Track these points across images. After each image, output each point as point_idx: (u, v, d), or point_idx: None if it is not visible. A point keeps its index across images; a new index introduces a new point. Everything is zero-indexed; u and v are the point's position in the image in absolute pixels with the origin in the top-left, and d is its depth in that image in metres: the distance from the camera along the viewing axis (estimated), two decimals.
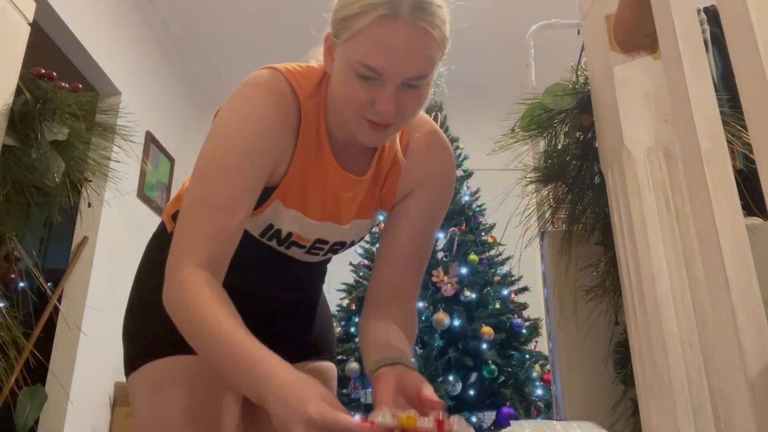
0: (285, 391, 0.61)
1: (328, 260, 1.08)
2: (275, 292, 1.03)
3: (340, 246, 0.98)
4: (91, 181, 1.54)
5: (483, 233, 2.99)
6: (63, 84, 1.46)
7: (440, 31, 0.76)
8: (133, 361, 0.91)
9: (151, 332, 0.91)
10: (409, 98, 0.77)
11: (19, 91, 1.36)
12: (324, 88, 0.87)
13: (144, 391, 0.87)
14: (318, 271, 1.11)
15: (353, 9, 0.73)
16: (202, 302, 0.71)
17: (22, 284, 1.38)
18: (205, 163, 0.80)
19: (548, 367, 2.64)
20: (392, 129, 0.81)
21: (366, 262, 3.01)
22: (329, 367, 1.08)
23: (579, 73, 1.33)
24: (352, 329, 2.73)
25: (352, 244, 1.00)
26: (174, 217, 0.92)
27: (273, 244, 0.94)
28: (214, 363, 0.71)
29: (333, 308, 3.19)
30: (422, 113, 0.95)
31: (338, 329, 2.79)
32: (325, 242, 0.96)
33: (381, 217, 1.12)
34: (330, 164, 0.88)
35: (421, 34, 0.73)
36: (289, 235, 0.92)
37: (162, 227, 1.03)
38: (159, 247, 0.98)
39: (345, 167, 0.89)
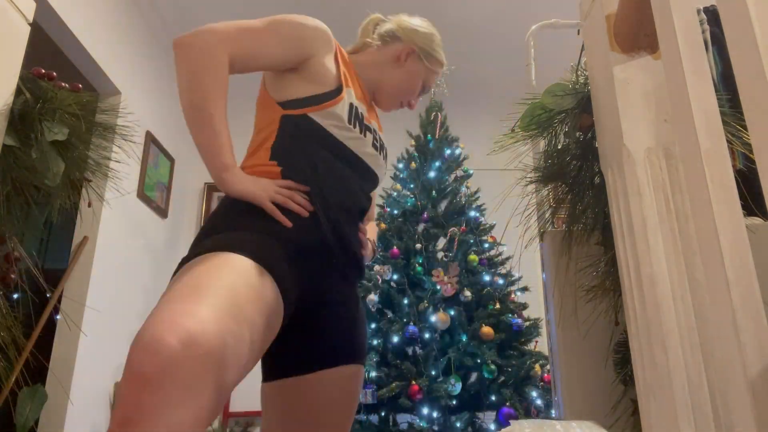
0: (250, 178, 1.05)
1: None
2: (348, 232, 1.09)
3: (379, 142, 1.20)
4: (91, 181, 1.54)
5: (483, 233, 2.99)
6: (63, 84, 1.46)
7: None
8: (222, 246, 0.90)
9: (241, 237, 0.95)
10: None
11: (19, 91, 1.36)
12: (349, 57, 1.27)
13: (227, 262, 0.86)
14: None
15: (437, 53, 1.29)
16: (215, 77, 1.05)
17: (15, 296, 1.38)
18: (260, 21, 1.18)
19: (548, 367, 2.64)
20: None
21: None
22: (360, 371, 1.13)
23: (579, 73, 1.33)
24: None
25: (384, 150, 1.25)
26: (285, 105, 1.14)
27: (356, 133, 1.11)
28: (192, 121, 1.06)
29: None
30: None
31: None
32: (376, 132, 1.20)
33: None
34: (356, 77, 1.23)
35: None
36: (363, 114, 1.15)
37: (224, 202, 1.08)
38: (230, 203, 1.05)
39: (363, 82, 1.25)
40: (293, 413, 1.03)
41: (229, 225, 0.99)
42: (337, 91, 1.10)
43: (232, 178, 1.03)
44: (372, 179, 1.19)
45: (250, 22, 1.15)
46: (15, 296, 1.38)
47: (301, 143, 1.08)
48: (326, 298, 1.06)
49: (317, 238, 1.02)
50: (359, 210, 1.13)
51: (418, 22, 1.28)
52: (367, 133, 1.14)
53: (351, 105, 1.11)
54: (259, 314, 0.81)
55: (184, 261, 0.93)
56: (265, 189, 1.00)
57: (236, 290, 0.79)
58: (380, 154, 1.19)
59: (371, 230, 1.25)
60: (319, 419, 1.04)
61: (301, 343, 1.04)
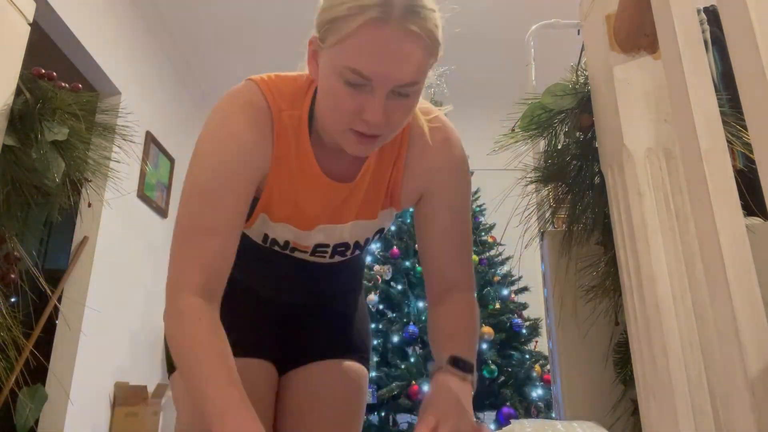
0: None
1: (348, 260, 1.04)
2: (291, 296, 1.05)
3: (344, 248, 0.97)
4: (91, 181, 1.53)
5: (483, 233, 2.99)
6: (63, 84, 1.46)
7: (433, 36, 0.73)
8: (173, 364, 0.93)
9: None
10: (397, 107, 0.73)
11: (19, 91, 1.36)
12: (310, 96, 0.85)
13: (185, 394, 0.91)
14: (340, 271, 1.08)
15: (341, 11, 0.69)
16: (199, 342, 0.74)
17: (13, 299, 1.38)
18: (190, 188, 0.80)
19: (548, 367, 2.64)
20: (379, 140, 0.77)
21: (365, 261, 3.01)
22: (355, 367, 1.05)
23: (579, 73, 1.33)
24: None
25: (358, 245, 0.98)
26: None
27: (277, 249, 0.96)
28: (195, 394, 0.73)
29: None
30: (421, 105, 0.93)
31: None
32: (326, 245, 0.95)
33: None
34: (314, 173, 0.85)
35: (413, 39, 0.70)
36: (287, 243, 0.93)
37: None
38: None
39: (336, 173, 0.87)
40: (287, 407, 1.02)
41: None
42: (252, 208, 0.92)
43: None
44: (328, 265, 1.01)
45: (182, 215, 0.87)
46: (13, 300, 1.38)
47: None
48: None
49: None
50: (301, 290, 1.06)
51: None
52: (296, 253, 0.97)
53: (265, 235, 0.95)
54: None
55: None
56: None
57: None
58: (331, 257, 0.98)
59: (459, 330, 0.90)
60: (304, 413, 0.99)
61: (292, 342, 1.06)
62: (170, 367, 0.99)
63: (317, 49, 0.77)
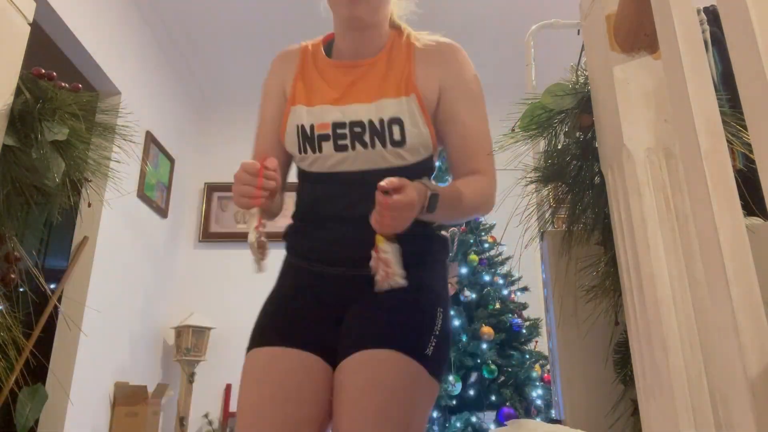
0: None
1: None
2: (339, 249, 1.12)
3: (360, 129, 1.09)
4: (91, 181, 1.53)
5: (483, 233, 2.99)
6: (63, 84, 1.46)
7: None
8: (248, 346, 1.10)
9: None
10: None
11: (19, 91, 1.36)
12: (323, 39, 1.28)
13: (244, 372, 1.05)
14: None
15: None
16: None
17: (21, 290, 1.38)
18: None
19: (548, 367, 2.64)
20: (363, 3, 1.10)
21: None
22: (384, 354, 0.98)
23: (579, 73, 1.33)
24: None
25: (398, 127, 1.08)
26: None
27: (309, 154, 1.13)
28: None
29: None
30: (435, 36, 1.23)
31: None
32: (342, 124, 1.10)
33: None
34: (325, 62, 1.21)
35: None
36: (312, 127, 1.12)
37: None
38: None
39: (348, 62, 1.19)
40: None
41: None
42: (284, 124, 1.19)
43: None
44: (361, 175, 1.10)
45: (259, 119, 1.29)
46: (21, 288, 1.38)
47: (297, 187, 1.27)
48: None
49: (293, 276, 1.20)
50: (347, 213, 1.11)
51: None
52: (323, 144, 1.11)
53: (296, 127, 1.14)
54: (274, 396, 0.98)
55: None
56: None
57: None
58: (353, 147, 1.09)
59: (459, 184, 1.13)
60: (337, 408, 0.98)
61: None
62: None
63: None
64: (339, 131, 1.09)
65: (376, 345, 0.98)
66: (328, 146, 1.10)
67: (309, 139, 1.11)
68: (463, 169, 1.16)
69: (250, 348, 1.08)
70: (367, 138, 1.08)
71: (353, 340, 1.01)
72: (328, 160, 1.12)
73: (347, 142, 1.09)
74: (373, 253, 1.00)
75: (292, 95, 1.17)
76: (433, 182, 1.04)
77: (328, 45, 1.26)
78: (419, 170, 1.11)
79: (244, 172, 1.03)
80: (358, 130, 1.08)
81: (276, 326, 1.08)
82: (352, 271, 1.09)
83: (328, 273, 1.12)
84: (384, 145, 1.08)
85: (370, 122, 1.08)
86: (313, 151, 1.12)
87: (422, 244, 1.13)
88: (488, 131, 1.19)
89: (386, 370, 0.96)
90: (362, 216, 1.00)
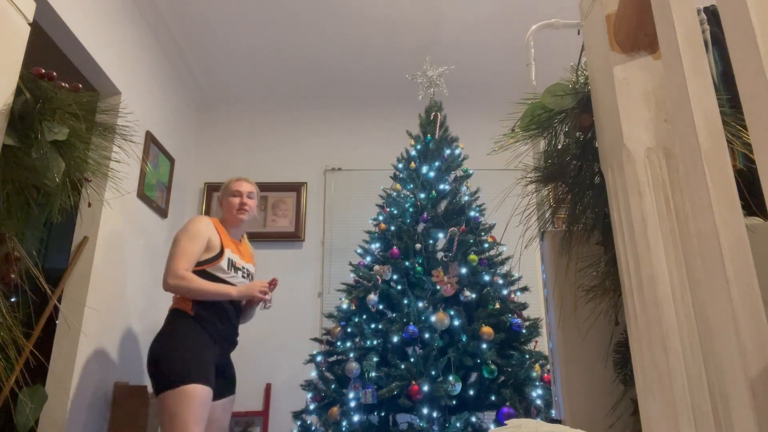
0: (243, 287, 2.32)
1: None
2: (227, 330, 2.32)
3: (248, 274, 2.44)
4: (91, 181, 1.54)
5: (483, 233, 2.99)
6: (63, 84, 1.46)
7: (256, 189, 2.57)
8: (173, 381, 1.98)
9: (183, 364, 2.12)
10: (251, 201, 2.49)
11: (19, 91, 1.36)
12: (218, 221, 2.48)
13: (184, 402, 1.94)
14: (238, 319, 2.48)
15: (227, 183, 2.54)
16: (195, 276, 2.18)
17: (13, 299, 1.38)
18: (180, 242, 2.21)
19: (548, 367, 2.64)
20: (247, 212, 2.47)
21: (365, 262, 3.01)
22: (232, 399, 2.37)
23: (579, 73, 1.33)
24: (350, 329, 2.73)
25: (251, 277, 2.50)
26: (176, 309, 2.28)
27: (232, 274, 2.31)
28: (210, 292, 2.17)
29: (332, 309, 3.20)
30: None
31: (338, 329, 2.79)
32: (244, 268, 2.38)
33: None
34: (229, 237, 2.41)
35: (249, 183, 2.55)
36: (235, 260, 2.30)
37: (176, 310, 2.25)
38: (177, 317, 2.20)
39: (233, 240, 2.44)
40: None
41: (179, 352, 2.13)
42: (221, 252, 2.31)
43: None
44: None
45: (181, 246, 2.20)
46: (13, 300, 1.38)
47: None
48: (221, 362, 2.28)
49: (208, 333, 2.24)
50: (232, 305, 2.37)
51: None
52: (238, 272, 2.33)
53: (229, 260, 2.29)
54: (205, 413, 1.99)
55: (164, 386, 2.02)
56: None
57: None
58: (247, 278, 2.41)
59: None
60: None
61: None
62: (159, 388, 1.94)
63: (221, 200, 2.52)
64: (244, 269, 2.41)
65: (233, 391, 2.49)
66: (239, 274, 2.33)
67: (234, 267, 2.31)
68: None
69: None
70: (248, 278, 2.45)
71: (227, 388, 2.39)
72: (236, 279, 2.35)
73: (247, 276, 2.43)
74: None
75: (225, 245, 2.33)
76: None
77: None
78: None
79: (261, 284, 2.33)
80: (244, 275, 2.41)
81: (205, 371, 2.14)
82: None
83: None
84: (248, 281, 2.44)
85: (248, 271, 2.46)
86: (234, 272, 2.30)
87: None
88: None
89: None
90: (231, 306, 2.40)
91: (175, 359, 1.87)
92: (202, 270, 2.21)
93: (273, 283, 2.34)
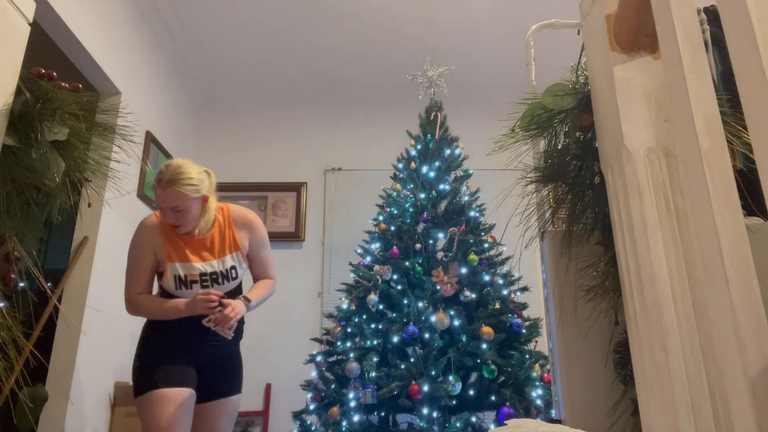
0: (186, 305, 1.82)
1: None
2: (206, 348, 1.94)
3: (219, 276, 1.92)
4: (91, 181, 1.54)
5: (483, 233, 2.99)
6: (63, 84, 1.46)
7: (189, 187, 1.84)
8: (143, 386, 1.81)
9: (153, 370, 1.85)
10: (180, 215, 1.85)
11: (19, 91, 1.36)
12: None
13: (153, 406, 1.77)
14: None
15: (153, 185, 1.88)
16: (148, 299, 1.88)
17: (21, 284, 1.38)
18: (128, 263, 1.91)
19: (548, 367, 2.64)
20: (182, 228, 1.89)
21: (365, 262, 3.01)
22: (236, 398, 2.04)
23: (579, 73, 1.33)
24: (350, 329, 2.73)
25: (234, 270, 1.96)
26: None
27: (183, 292, 1.87)
28: (162, 314, 1.84)
29: (332, 309, 3.19)
30: (240, 207, 2.07)
31: (338, 329, 2.79)
32: (205, 274, 1.89)
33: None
34: (182, 238, 1.91)
35: (172, 191, 1.82)
36: (185, 276, 1.87)
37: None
38: (150, 327, 1.94)
39: (195, 236, 1.93)
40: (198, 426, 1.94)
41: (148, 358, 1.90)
42: (164, 272, 1.89)
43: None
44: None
45: (128, 267, 1.91)
46: (21, 285, 1.38)
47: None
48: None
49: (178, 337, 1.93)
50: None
51: None
52: (193, 285, 1.88)
53: (175, 276, 1.87)
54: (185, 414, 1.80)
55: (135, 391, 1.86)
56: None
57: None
58: (212, 286, 1.91)
59: (257, 288, 2.04)
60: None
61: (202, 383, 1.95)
62: (135, 392, 1.82)
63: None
64: (203, 278, 1.90)
65: (228, 394, 2.06)
66: (197, 287, 1.88)
67: (184, 283, 1.88)
68: (260, 275, 2.08)
69: None
70: (221, 281, 1.93)
71: (217, 390, 2.03)
72: (192, 290, 1.90)
73: (207, 282, 1.90)
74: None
75: (169, 257, 1.88)
76: (246, 294, 1.96)
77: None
78: (238, 288, 2.04)
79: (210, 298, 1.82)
80: (215, 277, 1.92)
81: (177, 372, 1.91)
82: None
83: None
84: (228, 281, 1.94)
85: (232, 267, 1.96)
86: (185, 288, 1.88)
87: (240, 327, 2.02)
88: (270, 257, 2.10)
89: None
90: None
91: (139, 366, 1.81)
92: (161, 287, 1.90)
93: (223, 305, 1.80)
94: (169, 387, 1.75)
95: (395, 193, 3.18)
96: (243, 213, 2.03)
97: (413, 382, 2.41)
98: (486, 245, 2.93)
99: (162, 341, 1.86)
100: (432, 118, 3.36)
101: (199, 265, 1.88)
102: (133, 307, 1.87)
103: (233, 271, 1.94)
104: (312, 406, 2.73)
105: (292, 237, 4.13)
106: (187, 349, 1.86)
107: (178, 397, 1.75)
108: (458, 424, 2.33)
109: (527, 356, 2.61)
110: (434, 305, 2.66)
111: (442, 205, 3.09)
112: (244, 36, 3.86)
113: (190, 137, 4.34)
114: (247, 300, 1.91)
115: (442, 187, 3.11)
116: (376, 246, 3.05)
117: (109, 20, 3.05)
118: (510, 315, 2.66)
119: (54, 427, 2.55)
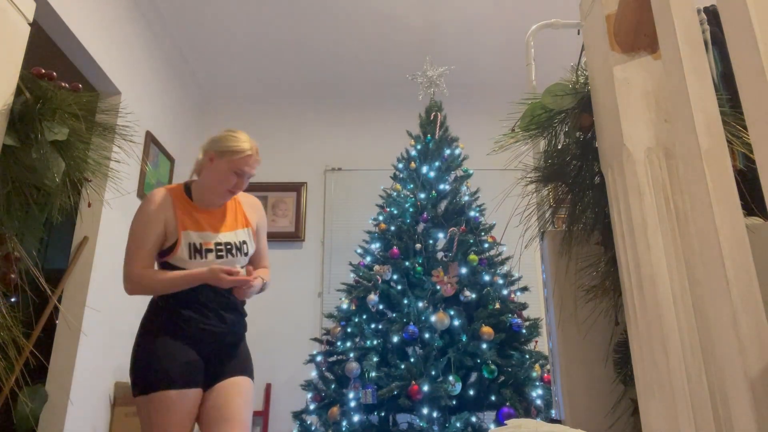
0: (207, 270, 1.73)
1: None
2: (217, 321, 1.84)
3: (233, 248, 1.87)
4: (91, 181, 1.54)
5: (483, 233, 2.99)
6: (63, 84, 1.46)
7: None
8: (145, 388, 1.69)
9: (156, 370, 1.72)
10: (247, 179, 1.86)
11: (19, 91, 1.36)
12: (181, 188, 1.90)
13: (156, 409, 1.67)
14: (236, 302, 1.92)
15: (227, 146, 1.82)
16: (152, 272, 1.76)
17: (13, 299, 1.37)
18: (132, 235, 1.81)
19: (548, 367, 2.64)
20: (238, 190, 1.86)
21: (365, 262, 3.01)
22: (245, 379, 1.86)
23: (579, 73, 1.33)
24: (350, 329, 2.73)
25: (245, 245, 1.91)
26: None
27: (199, 261, 1.80)
28: (170, 284, 1.75)
29: (332, 309, 3.20)
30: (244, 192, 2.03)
31: (338, 329, 2.79)
32: (220, 243, 1.85)
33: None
34: (195, 209, 1.86)
35: (258, 158, 1.87)
36: (201, 245, 1.81)
37: (152, 305, 1.86)
38: (148, 314, 1.84)
39: (206, 209, 1.88)
40: (207, 412, 1.76)
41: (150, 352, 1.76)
42: (176, 242, 1.79)
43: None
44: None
45: (133, 239, 1.81)
46: (13, 300, 1.38)
47: None
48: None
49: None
50: (211, 291, 1.83)
51: (214, 135, 1.88)
52: (208, 254, 1.82)
53: (189, 244, 1.80)
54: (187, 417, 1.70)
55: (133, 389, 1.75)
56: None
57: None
58: (227, 256, 1.85)
59: (261, 272, 1.99)
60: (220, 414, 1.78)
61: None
62: (133, 393, 1.72)
63: (214, 158, 1.82)
64: (218, 247, 1.85)
65: (240, 374, 1.93)
66: (212, 256, 1.82)
67: (199, 251, 1.81)
68: (259, 263, 2.04)
69: None
70: (241, 255, 1.89)
71: (229, 372, 1.89)
72: (208, 259, 1.84)
73: (224, 251, 1.86)
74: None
75: (182, 226, 1.81)
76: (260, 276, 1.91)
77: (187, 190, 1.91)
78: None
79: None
80: (230, 247, 1.87)
81: (181, 371, 1.78)
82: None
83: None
84: (240, 255, 1.89)
85: (243, 242, 1.90)
86: (200, 257, 1.81)
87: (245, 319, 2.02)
88: (266, 247, 2.09)
89: None
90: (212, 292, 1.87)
91: (141, 366, 1.67)
92: (165, 262, 1.80)
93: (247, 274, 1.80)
94: (174, 389, 1.63)
95: (395, 193, 3.18)
96: (250, 196, 2.05)
97: (413, 382, 2.41)
98: (486, 245, 2.93)
99: (166, 333, 1.72)
100: (432, 118, 3.36)
101: (214, 235, 1.84)
102: (135, 282, 1.72)
103: (245, 246, 1.89)
104: (312, 406, 2.73)
105: (292, 237, 4.13)
106: (192, 337, 1.74)
107: (184, 401, 1.61)
108: (458, 424, 2.33)
109: (527, 356, 2.61)
110: (434, 305, 2.66)
111: (442, 205, 3.09)
112: (244, 36, 3.86)
113: (190, 137, 4.34)
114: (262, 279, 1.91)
115: (442, 187, 3.11)
116: (376, 246, 3.05)
117: (109, 20, 3.05)
118: (510, 315, 2.66)
119: (54, 427, 2.55)
